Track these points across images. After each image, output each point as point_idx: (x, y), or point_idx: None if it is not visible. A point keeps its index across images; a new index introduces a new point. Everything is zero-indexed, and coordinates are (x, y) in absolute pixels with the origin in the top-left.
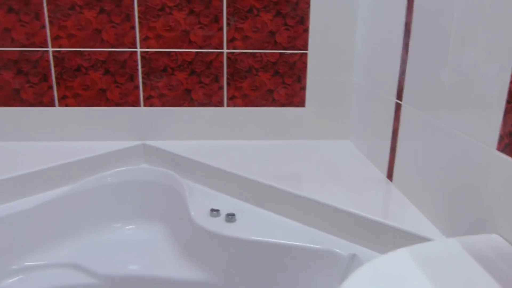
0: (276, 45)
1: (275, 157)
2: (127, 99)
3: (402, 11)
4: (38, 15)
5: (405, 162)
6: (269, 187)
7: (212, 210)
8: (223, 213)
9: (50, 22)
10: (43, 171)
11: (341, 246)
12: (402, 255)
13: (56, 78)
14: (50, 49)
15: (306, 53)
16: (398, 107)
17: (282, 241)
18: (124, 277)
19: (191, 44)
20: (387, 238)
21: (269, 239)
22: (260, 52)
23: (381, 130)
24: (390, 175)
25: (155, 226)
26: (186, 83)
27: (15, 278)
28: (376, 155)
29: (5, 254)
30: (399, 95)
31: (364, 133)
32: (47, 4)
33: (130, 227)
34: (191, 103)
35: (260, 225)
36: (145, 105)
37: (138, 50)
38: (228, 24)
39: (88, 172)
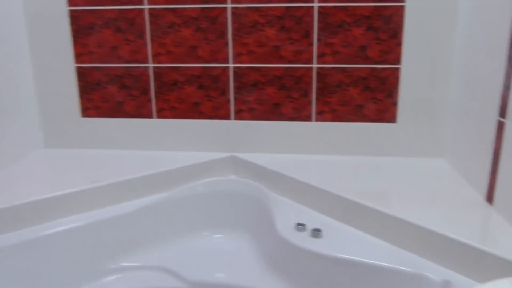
0: (367, 60)
1: (363, 174)
2: (219, 113)
3: (507, 22)
4: (142, 34)
5: (508, 185)
6: (357, 204)
7: (298, 224)
8: (309, 227)
9: (151, 40)
10: (141, 178)
11: (433, 270)
12: (504, 286)
13: (155, 92)
14: (150, 65)
15: (398, 68)
16: (500, 125)
17: (369, 261)
18: (211, 284)
19: (281, 59)
20: (485, 265)
21: (356, 258)
22: (350, 67)
23: (480, 149)
24: (489, 198)
25: (241, 236)
26: (276, 97)
27: (113, 277)
28: (473, 175)
29: (105, 254)
30: (502, 112)
31: (460, 152)
32: (150, 24)
33: (218, 236)
34: (280, 117)
35: (347, 243)
36: (235, 119)
37: (231, 65)
38: (318, 39)
39: (181, 181)
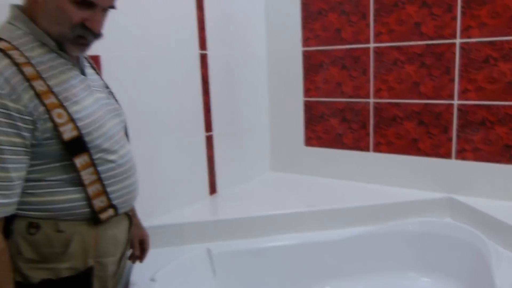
0: None
1: None
2: (438, 151)
3: None
4: (365, 71)
5: None
6: None
7: None
8: None
9: (374, 76)
10: (353, 209)
11: None
12: None
13: (374, 126)
14: (371, 100)
15: None
16: None
17: None
18: None
19: None
20: None
21: None
22: None
23: None
24: None
25: (451, 284)
26: (507, 138)
27: None
28: None
29: (312, 274)
30: None
31: None
32: (374, 61)
33: (426, 279)
34: (511, 160)
35: None
36: (456, 158)
37: (455, 102)
38: None
39: (392, 216)
